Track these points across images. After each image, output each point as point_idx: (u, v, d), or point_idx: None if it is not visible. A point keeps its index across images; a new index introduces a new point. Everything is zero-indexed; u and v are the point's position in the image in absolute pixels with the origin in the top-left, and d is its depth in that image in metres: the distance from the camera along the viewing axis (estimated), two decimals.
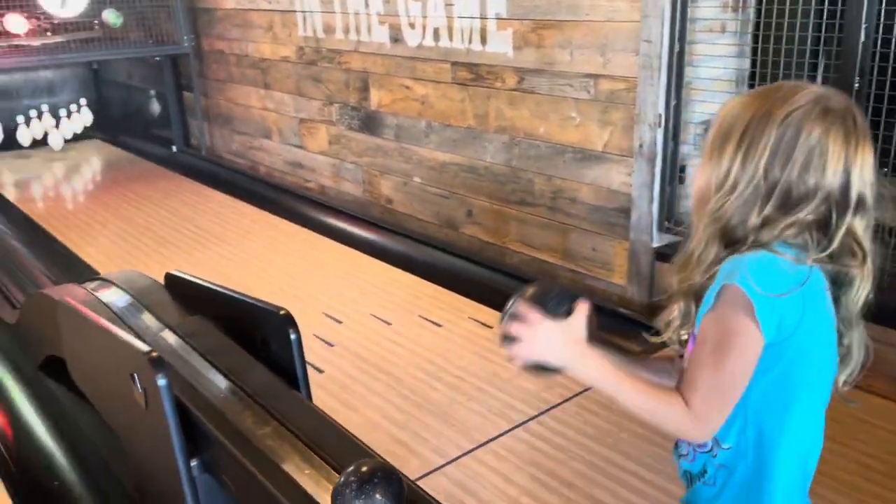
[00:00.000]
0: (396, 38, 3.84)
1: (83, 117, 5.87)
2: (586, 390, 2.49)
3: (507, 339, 1.04)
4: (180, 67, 5.79)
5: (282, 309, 1.74)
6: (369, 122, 4.18)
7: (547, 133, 3.21)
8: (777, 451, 1.04)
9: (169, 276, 2.24)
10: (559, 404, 2.43)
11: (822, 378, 1.05)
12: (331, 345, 2.87)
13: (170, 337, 1.93)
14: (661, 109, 2.76)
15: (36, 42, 5.52)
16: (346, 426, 2.29)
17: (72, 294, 2.17)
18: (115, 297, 2.18)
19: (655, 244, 2.89)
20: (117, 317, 2.07)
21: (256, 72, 5.05)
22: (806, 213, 0.98)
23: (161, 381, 1.48)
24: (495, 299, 3.14)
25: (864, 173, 1.00)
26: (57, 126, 5.68)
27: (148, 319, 2.04)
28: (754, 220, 0.99)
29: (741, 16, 2.74)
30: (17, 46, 5.39)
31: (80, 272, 3.48)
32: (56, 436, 2.35)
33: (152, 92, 6.20)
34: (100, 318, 1.77)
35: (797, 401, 1.03)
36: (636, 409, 1.00)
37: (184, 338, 1.91)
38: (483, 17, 3.36)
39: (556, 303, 1.05)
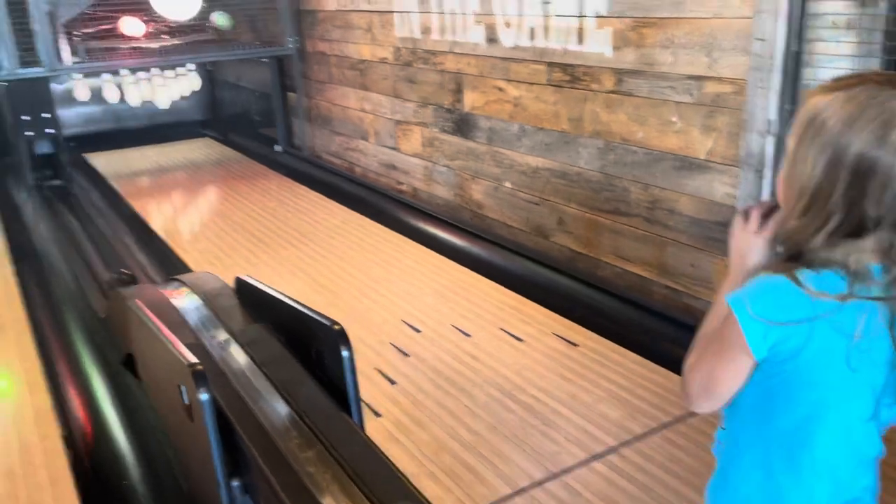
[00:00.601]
0: (492, 38, 3.70)
1: (191, 80, 6.09)
2: (675, 422, 2.28)
3: (744, 213, 1.11)
4: (285, 68, 5.89)
5: (336, 323, 1.64)
6: (462, 125, 4.07)
7: (645, 139, 2.99)
8: (743, 459, 1.05)
9: (238, 281, 2.21)
10: (643, 436, 2.22)
11: (817, 420, 0.99)
12: (406, 355, 2.77)
13: (229, 344, 1.88)
14: (773, 115, 2.49)
15: (153, 44, 5.76)
16: (412, 444, 2.23)
17: (144, 295, 2.17)
18: (185, 301, 2.17)
19: None
20: (184, 320, 2.05)
21: (355, 73, 5.05)
22: (873, 244, 0.93)
23: (203, 396, 1.42)
24: (583, 315, 3.02)
25: None
26: (164, 86, 5.92)
27: (212, 325, 2.01)
28: (818, 241, 0.96)
29: (871, 10, 2.43)
30: (135, 49, 5.64)
31: (172, 269, 3.56)
32: (131, 434, 2.37)
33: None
34: (159, 323, 1.74)
35: (774, 424, 1.01)
36: (696, 344, 1.08)
37: (243, 346, 1.86)
38: (581, 16, 3.18)
39: None
